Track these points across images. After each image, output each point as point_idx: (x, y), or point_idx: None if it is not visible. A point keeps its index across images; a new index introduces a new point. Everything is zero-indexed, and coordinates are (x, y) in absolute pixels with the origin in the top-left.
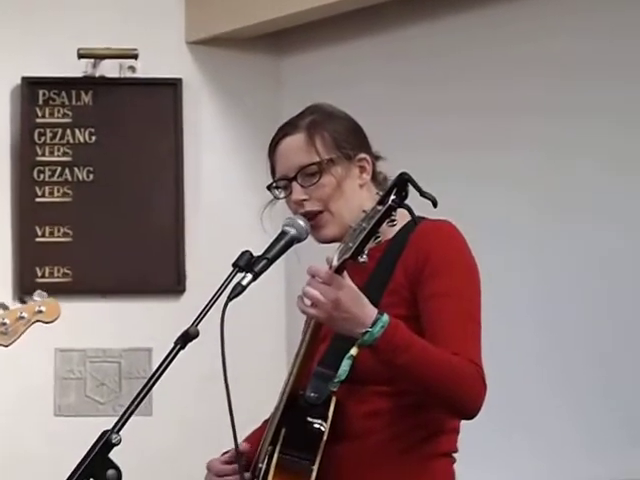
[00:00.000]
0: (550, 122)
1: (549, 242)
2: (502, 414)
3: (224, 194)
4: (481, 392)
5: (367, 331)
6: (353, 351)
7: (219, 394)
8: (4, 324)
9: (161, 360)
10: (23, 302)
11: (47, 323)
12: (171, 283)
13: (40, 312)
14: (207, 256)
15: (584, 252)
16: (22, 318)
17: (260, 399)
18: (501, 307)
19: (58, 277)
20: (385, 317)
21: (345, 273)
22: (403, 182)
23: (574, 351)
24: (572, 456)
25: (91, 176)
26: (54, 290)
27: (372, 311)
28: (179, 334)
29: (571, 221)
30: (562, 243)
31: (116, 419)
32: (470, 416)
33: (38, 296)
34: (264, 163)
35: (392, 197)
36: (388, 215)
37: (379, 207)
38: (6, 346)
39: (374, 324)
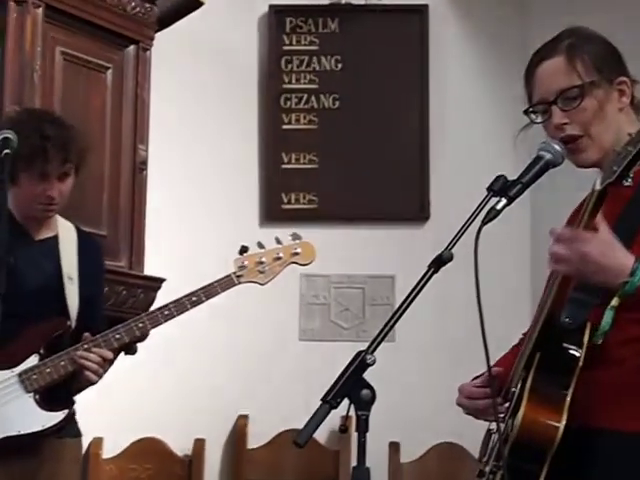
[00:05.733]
0: None
1: None
2: None
3: (469, 121)
4: None
5: (627, 281)
6: (614, 302)
7: (459, 320)
8: (262, 263)
9: (408, 287)
10: (279, 242)
11: (302, 265)
12: (415, 210)
13: (296, 254)
14: (451, 183)
15: None
16: (279, 259)
17: (506, 325)
18: None
19: (304, 203)
20: None
21: (601, 222)
22: None
23: None
24: None
25: (337, 103)
26: (299, 217)
27: (628, 259)
28: (426, 260)
29: None
30: None
31: (360, 345)
32: None
33: (293, 237)
34: (510, 89)
35: None
36: None
37: None
38: (262, 284)
39: (633, 273)
